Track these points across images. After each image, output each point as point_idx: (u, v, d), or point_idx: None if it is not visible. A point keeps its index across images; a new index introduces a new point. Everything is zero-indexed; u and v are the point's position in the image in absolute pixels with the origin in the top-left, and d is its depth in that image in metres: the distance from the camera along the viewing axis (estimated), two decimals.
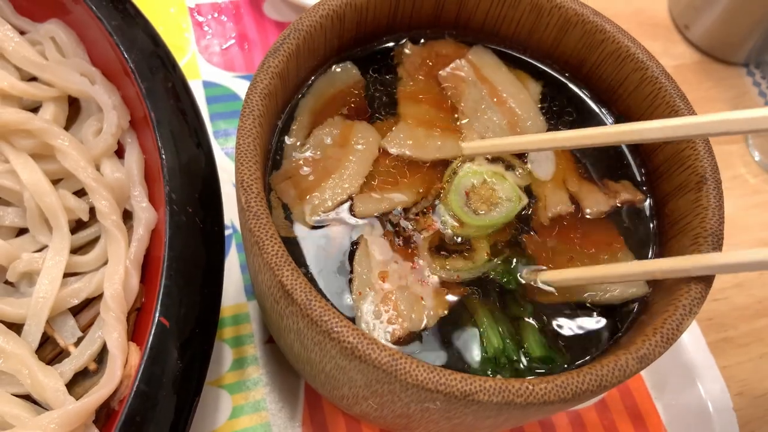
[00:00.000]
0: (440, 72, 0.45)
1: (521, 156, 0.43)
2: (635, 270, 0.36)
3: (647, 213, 0.42)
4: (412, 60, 0.45)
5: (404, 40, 0.46)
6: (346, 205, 0.40)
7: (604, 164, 0.44)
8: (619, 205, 0.42)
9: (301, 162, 0.40)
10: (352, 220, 0.39)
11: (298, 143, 0.41)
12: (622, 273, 0.37)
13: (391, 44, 0.46)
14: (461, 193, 0.40)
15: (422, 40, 0.46)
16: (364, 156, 0.41)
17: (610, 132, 0.37)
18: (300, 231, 0.39)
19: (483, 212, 0.39)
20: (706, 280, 0.35)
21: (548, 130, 0.44)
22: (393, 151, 0.42)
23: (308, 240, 0.39)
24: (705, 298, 0.35)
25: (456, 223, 0.39)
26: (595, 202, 0.42)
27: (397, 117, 0.43)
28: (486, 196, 0.40)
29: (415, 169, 0.42)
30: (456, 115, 0.44)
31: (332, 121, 0.42)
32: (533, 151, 0.42)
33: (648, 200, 0.42)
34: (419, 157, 0.42)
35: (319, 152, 0.41)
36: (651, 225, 0.42)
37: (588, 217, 0.41)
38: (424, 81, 0.45)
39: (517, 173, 0.42)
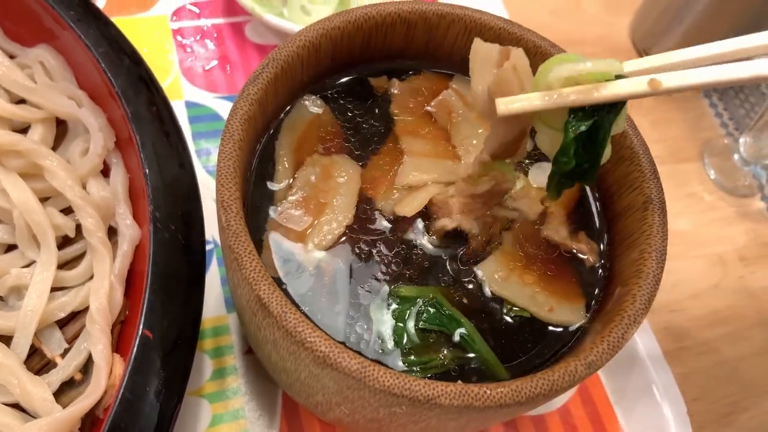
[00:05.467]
0: (429, 105, 0.48)
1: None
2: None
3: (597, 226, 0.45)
4: (401, 97, 0.48)
5: (392, 79, 0.49)
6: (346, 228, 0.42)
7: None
8: (572, 248, 0.44)
9: (291, 204, 0.42)
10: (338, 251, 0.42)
11: (285, 187, 0.43)
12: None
13: (365, 73, 0.49)
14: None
15: (403, 77, 0.49)
16: (348, 188, 0.43)
17: None
18: (295, 267, 0.41)
19: None
20: (649, 294, 0.38)
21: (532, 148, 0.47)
22: (404, 183, 0.44)
23: (305, 276, 0.41)
24: (648, 309, 0.38)
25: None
26: (555, 232, 0.44)
27: (401, 153, 0.46)
28: None
29: None
30: (452, 143, 0.47)
31: (312, 159, 0.44)
32: None
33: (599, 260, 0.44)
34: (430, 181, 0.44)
35: (307, 190, 0.43)
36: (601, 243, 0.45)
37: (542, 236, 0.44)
38: (417, 115, 0.48)
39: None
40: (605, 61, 0.34)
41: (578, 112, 0.35)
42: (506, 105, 0.36)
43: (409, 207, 0.43)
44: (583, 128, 0.35)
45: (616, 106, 0.35)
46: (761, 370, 0.63)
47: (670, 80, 0.33)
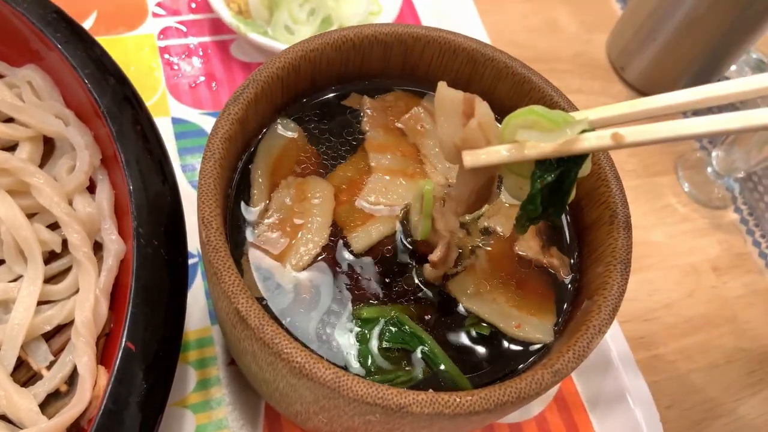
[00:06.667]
0: (399, 122, 0.50)
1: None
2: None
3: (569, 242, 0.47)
4: (372, 113, 0.50)
5: (363, 97, 0.50)
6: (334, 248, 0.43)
7: None
8: (544, 263, 0.45)
9: (268, 227, 0.43)
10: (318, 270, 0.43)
11: (261, 210, 0.44)
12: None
13: (343, 92, 0.51)
14: None
15: (376, 96, 0.51)
16: (323, 208, 0.44)
17: None
18: (274, 287, 0.42)
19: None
20: (614, 305, 0.40)
21: None
22: (366, 204, 0.45)
23: (283, 296, 0.42)
24: (612, 319, 0.39)
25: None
26: (528, 248, 0.46)
27: (369, 169, 0.47)
28: None
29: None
30: (420, 158, 0.48)
31: (286, 182, 0.45)
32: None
33: (570, 272, 0.45)
34: (393, 204, 0.46)
35: (282, 212, 0.44)
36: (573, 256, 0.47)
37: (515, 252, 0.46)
38: (387, 131, 0.49)
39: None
40: (570, 126, 0.34)
41: (545, 161, 0.36)
42: (472, 158, 0.37)
43: (360, 244, 0.44)
44: (550, 179, 0.35)
45: (582, 156, 0.36)
46: (734, 377, 0.65)
47: (632, 134, 0.34)
